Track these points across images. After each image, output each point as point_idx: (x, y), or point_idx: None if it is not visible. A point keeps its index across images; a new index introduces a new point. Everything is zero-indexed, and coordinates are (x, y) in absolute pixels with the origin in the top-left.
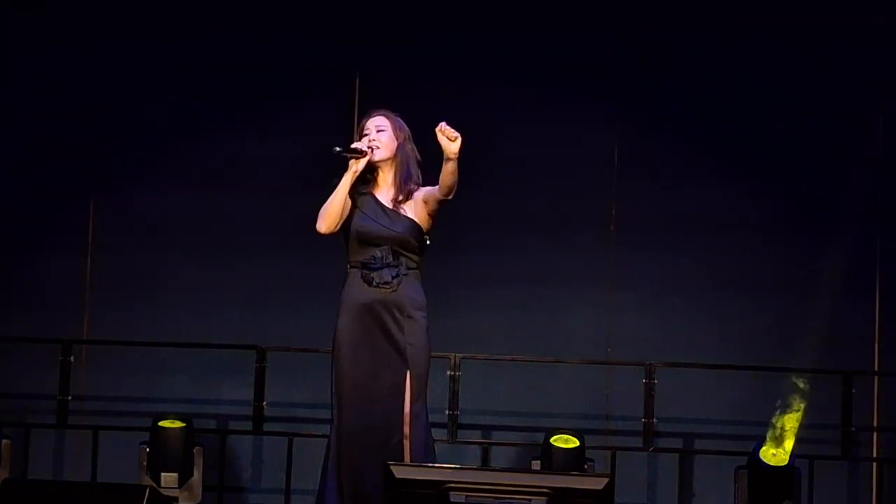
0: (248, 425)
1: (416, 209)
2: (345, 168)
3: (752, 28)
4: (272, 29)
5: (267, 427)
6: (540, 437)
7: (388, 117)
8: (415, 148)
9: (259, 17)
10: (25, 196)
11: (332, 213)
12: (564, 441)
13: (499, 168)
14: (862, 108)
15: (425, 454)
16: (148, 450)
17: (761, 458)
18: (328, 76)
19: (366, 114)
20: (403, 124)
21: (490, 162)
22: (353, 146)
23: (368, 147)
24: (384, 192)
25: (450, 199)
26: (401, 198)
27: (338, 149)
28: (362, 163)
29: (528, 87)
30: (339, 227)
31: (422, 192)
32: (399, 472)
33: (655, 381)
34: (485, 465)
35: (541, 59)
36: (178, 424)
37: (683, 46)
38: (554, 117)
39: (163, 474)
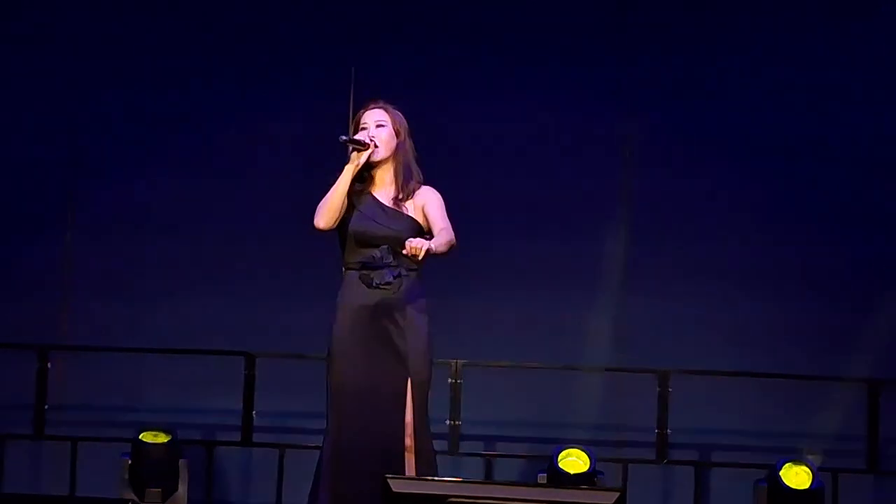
0: (237, 436)
1: (416, 210)
2: (338, 167)
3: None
4: (267, 13)
5: (256, 438)
6: (546, 448)
7: (387, 111)
8: (413, 144)
9: (253, 2)
10: None
11: (331, 207)
12: (573, 462)
13: (505, 165)
14: (887, 101)
15: (427, 467)
16: (130, 462)
17: (782, 478)
18: (323, 67)
19: (363, 105)
20: (403, 118)
21: (496, 158)
22: (355, 137)
23: (370, 140)
24: (383, 190)
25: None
26: (401, 196)
27: (343, 137)
28: (364, 156)
29: (532, 82)
30: (336, 223)
31: (423, 200)
32: (397, 486)
33: (670, 390)
34: (488, 478)
35: (541, 52)
36: (161, 436)
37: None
38: (562, 114)
39: (146, 489)
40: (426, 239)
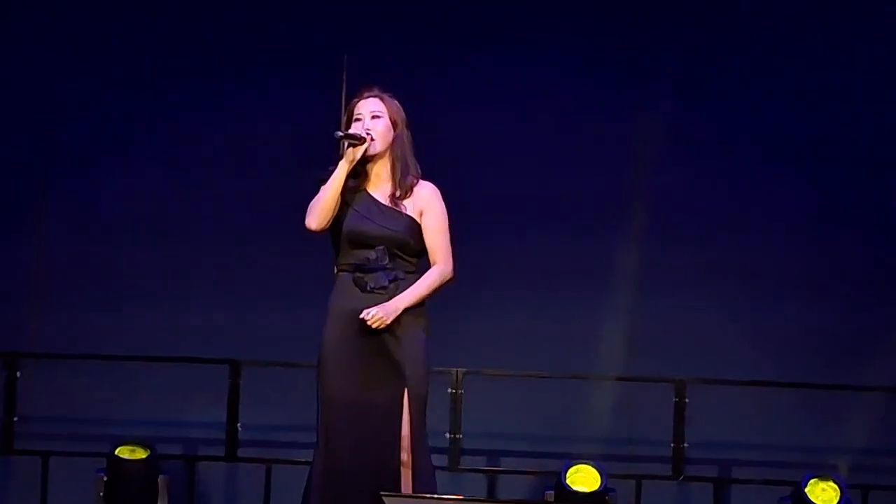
0: (221, 451)
1: (415, 210)
2: (330, 163)
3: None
4: (266, 13)
5: (241, 453)
6: (554, 463)
7: (383, 100)
8: (410, 135)
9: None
10: None
11: (324, 206)
12: (583, 479)
13: (507, 166)
14: (887, 101)
15: (425, 483)
16: (105, 479)
17: (808, 495)
18: (322, 67)
19: (356, 94)
20: (400, 107)
21: (497, 158)
22: (351, 132)
23: (367, 133)
24: (379, 187)
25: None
26: (398, 193)
27: (339, 133)
28: (360, 151)
29: (533, 81)
30: (329, 223)
31: (423, 205)
32: None
33: (686, 400)
34: (491, 496)
35: (542, 52)
36: (139, 451)
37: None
38: (571, 104)
39: None
40: (422, 239)
